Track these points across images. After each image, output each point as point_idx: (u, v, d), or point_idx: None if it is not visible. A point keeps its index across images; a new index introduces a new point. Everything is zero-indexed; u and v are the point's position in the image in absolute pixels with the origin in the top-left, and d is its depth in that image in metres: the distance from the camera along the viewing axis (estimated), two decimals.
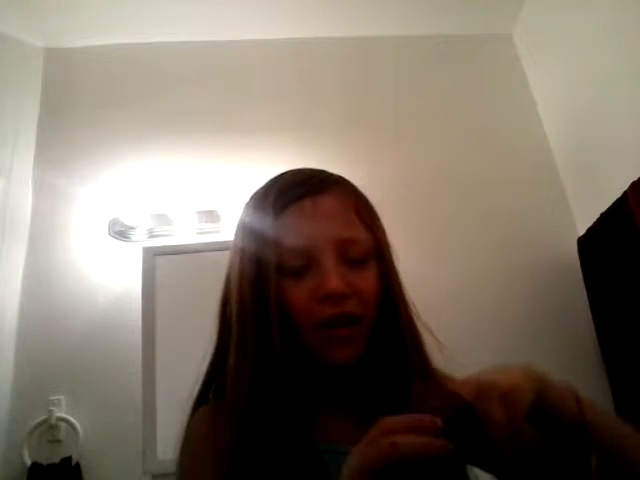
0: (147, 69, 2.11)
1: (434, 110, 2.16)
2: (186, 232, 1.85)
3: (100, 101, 2.02)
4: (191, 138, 1.98)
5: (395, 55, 2.25)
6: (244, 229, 0.69)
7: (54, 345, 1.67)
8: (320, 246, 0.62)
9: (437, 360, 0.69)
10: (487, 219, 1.98)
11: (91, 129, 1.96)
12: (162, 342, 1.68)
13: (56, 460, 1.54)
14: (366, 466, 0.42)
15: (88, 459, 1.56)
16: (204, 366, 0.71)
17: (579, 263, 1.83)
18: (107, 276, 1.78)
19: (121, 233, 1.83)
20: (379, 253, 0.66)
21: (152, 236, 1.85)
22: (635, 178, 1.56)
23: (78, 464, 1.54)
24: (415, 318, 0.68)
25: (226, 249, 1.93)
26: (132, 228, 1.84)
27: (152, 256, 1.79)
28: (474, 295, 1.84)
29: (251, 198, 0.72)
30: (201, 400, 0.70)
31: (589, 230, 1.79)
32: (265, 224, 0.64)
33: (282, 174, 0.71)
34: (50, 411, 1.59)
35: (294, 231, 0.63)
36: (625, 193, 1.59)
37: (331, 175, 0.71)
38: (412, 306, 0.69)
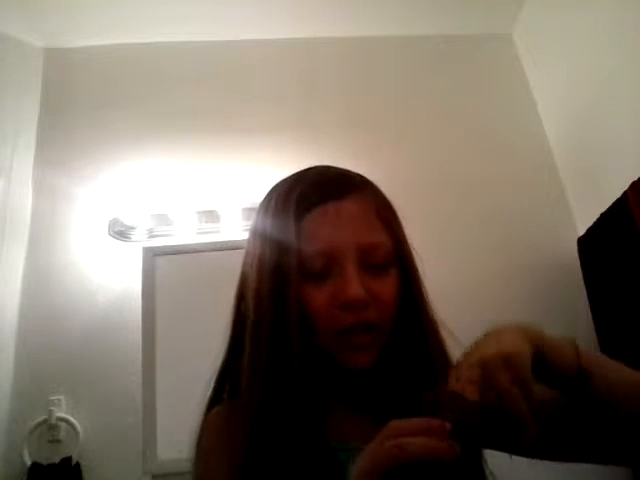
0: (147, 69, 2.11)
1: (434, 110, 2.16)
2: (186, 232, 1.85)
3: (100, 101, 2.02)
4: (191, 138, 1.98)
5: (395, 55, 2.25)
6: (264, 227, 0.67)
7: (54, 345, 1.67)
8: (342, 252, 0.62)
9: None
10: (487, 219, 1.98)
11: (91, 129, 1.96)
12: (162, 342, 1.68)
13: (56, 460, 1.54)
14: (374, 467, 0.42)
15: (88, 459, 1.56)
16: (217, 364, 0.70)
17: (579, 263, 1.83)
18: (107, 276, 1.78)
19: (121, 233, 1.83)
20: (400, 257, 0.66)
21: (152, 236, 1.85)
22: (635, 178, 1.56)
23: (78, 464, 1.54)
24: (436, 320, 0.68)
25: (226, 249, 1.92)
26: (132, 228, 1.84)
27: (152, 256, 1.79)
28: (474, 295, 1.84)
29: (272, 195, 0.70)
30: (215, 399, 0.69)
31: (589, 230, 1.79)
32: (287, 226, 0.63)
33: (305, 172, 0.70)
34: (50, 411, 1.59)
35: (316, 235, 0.62)
36: (625, 193, 1.59)
37: (354, 177, 0.70)
38: (433, 308, 0.69)
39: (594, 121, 1.88)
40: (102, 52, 2.09)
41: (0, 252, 1.69)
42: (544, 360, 0.50)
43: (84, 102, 2.02)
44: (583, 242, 1.83)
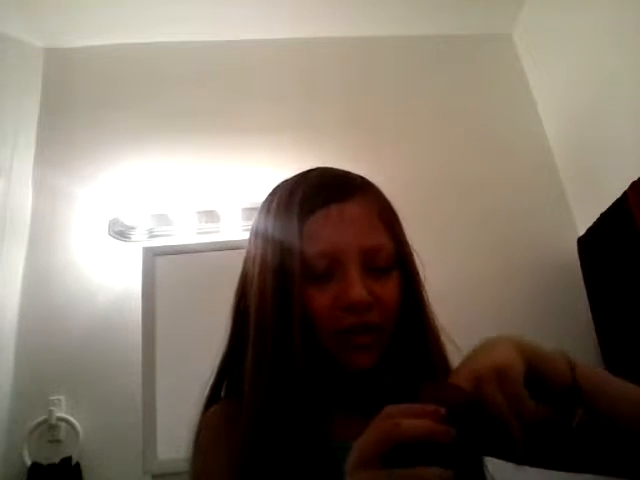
0: (147, 69, 2.11)
1: (434, 110, 2.16)
2: (186, 232, 1.85)
3: (100, 101, 2.02)
4: (191, 138, 1.98)
5: (395, 55, 2.25)
6: (267, 228, 0.68)
7: (54, 345, 1.67)
8: (345, 254, 0.62)
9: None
10: (487, 219, 1.98)
11: (91, 129, 1.97)
12: (162, 342, 1.69)
13: (56, 460, 1.54)
14: (370, 448, 0.43)
15: (88, 459, 1.56)
16: (216, 363, 0.70)
17: (579, 263, 1.83)
18: (107, 276, 1.78)
19: (121, 233, 1.83)
20: (402, 259, 0.67)
21: (152, 236, 1.85)
22: (635, 178, 1.56)
23: (78, 464, 1.54)
24: (436, 324, 0.69)
25: (226, 249, 1.92)
26: (132, 228, 1.84)
27: (152, 256, 1.80)
28: (474, 295, 1.84)
29: (274, 197, 0.70)
30: (213, 398, 0.69)
31: (589, 230, 1.79)
32: (291, 227, 0.64)
33: (307, 174, 0.70)
34: (50, 411, 1.59)
35: (320, 237, 0.63)
36: (625, 193, 1.59)
37: (356, 179, 0.70)
38: (433, 311, 0.70)
39: (594, 121, 1.88)
40: (102, 52, 2.09)
41: (0, 252, 1.69)
42: (536, 374, 0.51)
43: (84, 102, 2.02)
44: (583, 242, 1.83)
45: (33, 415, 1.59)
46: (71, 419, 1.60)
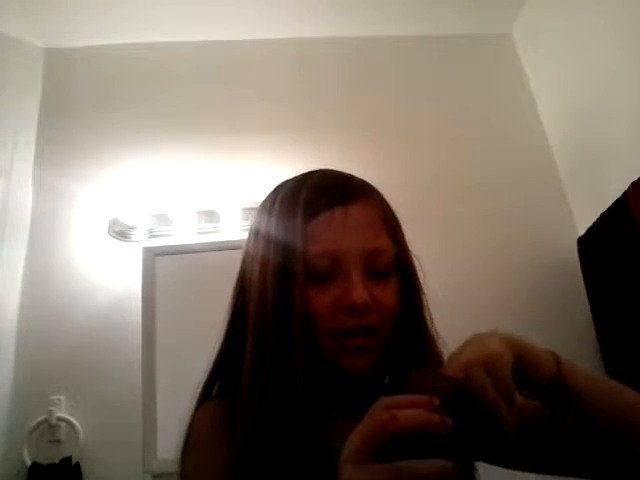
0: (147, 69, 2.11)
1: (434, 110, 2.16)
2: (186, 232, 1.85)
3: (100, 101, 2.02)
4: (191, 138, 1.98)
5: (395, 55, 2.25)
6: (268, 228, 0.67)
7: (54, 345, 1.67)
8: (348, 256, 0.62)
9: None
10: (487, 219, 1.98)
11: (91, 129, 1.97)
12: (162, 342, 1.69)
13: (56, 460, 1.54)
14: (366, 441, 0.42)
15: (88, 459, 1.56)
16: (211, 359, 0.70)
17: (579, 263, 1.83)
18: (107, 276, 1.78)
19: (121, 233, 1.83)
20: (402, 265, 0.67)
21: (152, 236, 1.85)
22: (635, 178, 1.56)
23: (78, 464, 1.54)
24: (434, 333, 0.69)
25: (226, 249, 1.92)
26: (132, 228, 1.84)
27: (152, 256, 1.80)
28: (474, 295, 1.84)
29: (276, 197, 0.69)
30: (207, 395, 0.69)
31: (589, 230, 1.79)
32: (294, 228, 0.64)
33: (309, 175, 0.70)
34: (50, 411, 1.59)
35: (323, 239, 0.63)
36: (625, 193, 1.59)
37: (358, 182, 0.71)
38: (431, 316, 0.70)
39: (594, 121, 1.88)
40: (102, 52, 2.09)
41: (0, 252, 1.69)
42: (523, 366, 0.51)
43: (84, 102, 2.02)
44: (583, 242, 1.83)
45: (33, 415, 1.59)
46: (71, 419, 1.60)
